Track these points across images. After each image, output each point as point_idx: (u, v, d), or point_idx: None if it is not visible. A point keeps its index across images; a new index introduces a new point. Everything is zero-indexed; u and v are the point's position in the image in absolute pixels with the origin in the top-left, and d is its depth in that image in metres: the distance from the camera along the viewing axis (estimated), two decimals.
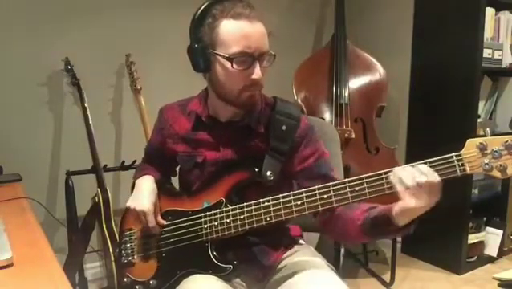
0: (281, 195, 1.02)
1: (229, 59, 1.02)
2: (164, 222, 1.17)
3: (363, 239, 1.10)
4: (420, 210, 0.93)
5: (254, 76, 1.04)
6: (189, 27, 1.08)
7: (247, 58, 1.02)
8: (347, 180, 0.97)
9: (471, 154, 0.89)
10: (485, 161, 0.88)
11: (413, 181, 0.89)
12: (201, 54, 1.06)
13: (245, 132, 1.14)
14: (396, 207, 0.94)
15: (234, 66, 1.02)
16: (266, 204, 1.03)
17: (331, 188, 0.98)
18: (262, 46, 1.04)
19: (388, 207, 0.98)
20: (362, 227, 1.03)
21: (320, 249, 1.31)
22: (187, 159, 1.19)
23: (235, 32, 1.01)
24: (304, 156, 1.14)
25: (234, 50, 1.01)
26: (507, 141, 0.88)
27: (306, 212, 1.00)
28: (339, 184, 0.97)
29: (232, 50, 1.01)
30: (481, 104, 2.51)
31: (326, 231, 1.19)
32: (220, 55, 1.03)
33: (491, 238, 2.62)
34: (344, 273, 1.39)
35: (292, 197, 1.01)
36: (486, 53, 2.35)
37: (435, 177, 0.89)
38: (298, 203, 1.00)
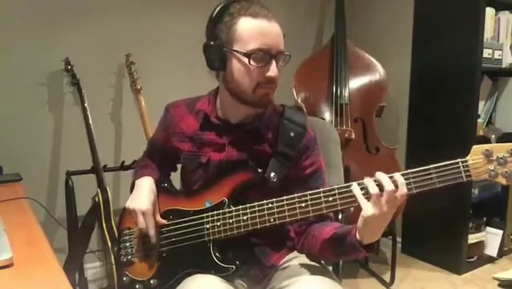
0: (285, 197, 1.02)
1: (247, 55, 1.02)
2: (165, 222, 1.17)
3: (327, 254, 1.12)
4: (379, 223, 0.94)
5: (270, 74, 1.04)
6: (206, 26, 1.08)
7: (265, 55, 1.03)
8: (353, 183, 0.97)
9: (477, 160, 0.90)
10: (491, 168, 0.90)
11: (374, 189, 0.91)
12: (218, 51, 1.06)
13: (252, 136, 1.15)
14: (359, 219, 0.95)
15: (252, 62, 1.03)
16: (270, 205, 1.03)
17: (335, 190, 0.98)
18: (279, 45, 1.05)
19: (354, 225, 0.99)
20: (328, 242, 1.06)
21: None
22: (191, 158, 1.19)
23: (254, 29, 1.03)
24: (303, 167, 1.16)
25: (252, 46, 1.02)
26: None
27: (311, 214, 1.00)
28: (344, 187, 0.98)
29: (250, 47, 1.02)
30: (481, 104, 2.51)
31: (296, 242, 1.20)
32: (237, 52, 1.04)
33: (491, 238, 2.62)
34: (344, 273, 1.39)
35: (296, 200, 1.01)
36: (486, 53, 2.36)
37: (398, 188, 0.90)
38: (303, 205, 1.00)
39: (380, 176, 0.93)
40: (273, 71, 1.04)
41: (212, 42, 1.07)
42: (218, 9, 1.06)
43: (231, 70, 1.07)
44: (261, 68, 1.04)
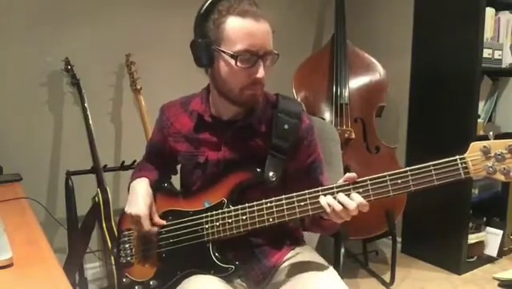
0: (284, 196, 1.02)
1: (234, 56, 1.01)
2: (164, 222, 1.16)
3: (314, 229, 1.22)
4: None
5: (258, 75, 1.03)
6: (194, 22, 1.07)
7: (251, 56, 1.02)
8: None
9: (475, 157, 0.90)
10: (489, 164, 0.90)
11: (329, 209, 0.98)
12: (205, 49, 1.05)
13: (247, 132, 1.14)
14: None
15: (238, 63, 1.02)
16: (269, 205, 1.03)
17: (334, 189, 0.98)
18: (266, 45, 1.04)
19: None
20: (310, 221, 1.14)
21: (320, 249, 1.32)
22: (189, 158, 1.19)
23: (241, 29, 1.01)
24: (301, 158, 1.15)
25: (239, 47, 1.01)
26: (511, 145, 0.89)
27: (310, 213, 1.00)
28: (342, 185, 0.98)
29: (237, 48, 1.01)
30: (481, 104, 2.51)
31: None
32: (224, 52, 1.03)
33: (491, 238, 2.62)
34: (344, 273, 1.39)
35: (295, 199, 1.01)
36: (486, 53, 2.35)
37: (350, 206, 0.96)
38: (302, 204, 1.01)
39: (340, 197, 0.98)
40: (260, 72, 1.03)
41: (200, 40, 1.05)
42: (207, 5, 1.05)
43: (218, 69, 1.06)
44: (247, 69, 1.03)
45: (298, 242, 1.26)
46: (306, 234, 1.30)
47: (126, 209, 1.18)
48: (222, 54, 1.03)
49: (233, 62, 1.02)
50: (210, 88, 1.16)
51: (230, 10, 1.02)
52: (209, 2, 1.05)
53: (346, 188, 0.97)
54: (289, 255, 1.19)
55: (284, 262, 1.18)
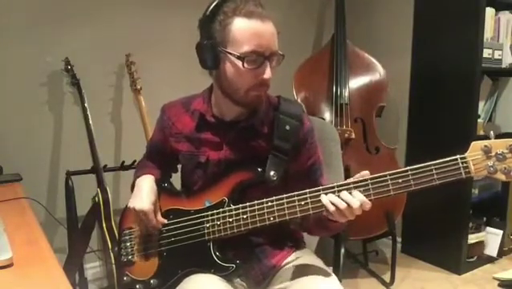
0: (285, 195, 1.02)
1: (241, 57, 1.01)
2: (165, 221, 1.17)
3: (316, 231, 1.21)
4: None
5: (265, 76, 1.04)
6: (199, 23, 1.07)
7: (258, 57, 1.02)
8: (351, 180, 0.98)
9: (476, 157, 0.90)
10: (490, 164, 0.90)
11: (332, 207, 0.97)
12: (211, 51, 1.05)
13: (249, 133, 1.14)
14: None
15: (245, 65, 1.02)
16: (270, 204, 1.03)
17: (335, 188, 0.98)
18: (272, 46, 1.04)
19: None
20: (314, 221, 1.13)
21: (320, 249, 1.32)
22: (190, 158, 1.19)
23: (247, 30, 1.01)
24: (301, 160, 1.16)
25: (246, 49, 1.01)
26: (511, 144, 0.88)
27: (311, 212, 1.00)
28: (344, 184, 0.98)
29: (243, 49, 1.01)
30: (481, 104, 2.51)
31: None
32: (231, 54, 1.03)
33: (491, 238, 2.62)
34: (344, 273, 1.39)
35: (296, 198, 1.01)
36: (486, 53, 2.35)
37: (353, 204, 0.95)
38: (302, 203, 1.01)
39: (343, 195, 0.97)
40: (267, 73, 1.04)
41: (205, 41, 1.05)
42: (212, 6, 1.05)
43: (224, 70, 1.06)
44: (254, 70, 1.03)
45: (298, 243, 1.26)
46: (306, 234, 1.30)
47: (129, 204, 1.18)
48: (229, 55, 1.03)
49: (239, 63, 1.02)
50: (213, 89, 1.16)
51: (236, 11, 1.02)
52: (214, 4, 1.04)
53: (347, 187, 0.97)
54: (289, 259, 1.19)
55: (284, 265, 1.18)
